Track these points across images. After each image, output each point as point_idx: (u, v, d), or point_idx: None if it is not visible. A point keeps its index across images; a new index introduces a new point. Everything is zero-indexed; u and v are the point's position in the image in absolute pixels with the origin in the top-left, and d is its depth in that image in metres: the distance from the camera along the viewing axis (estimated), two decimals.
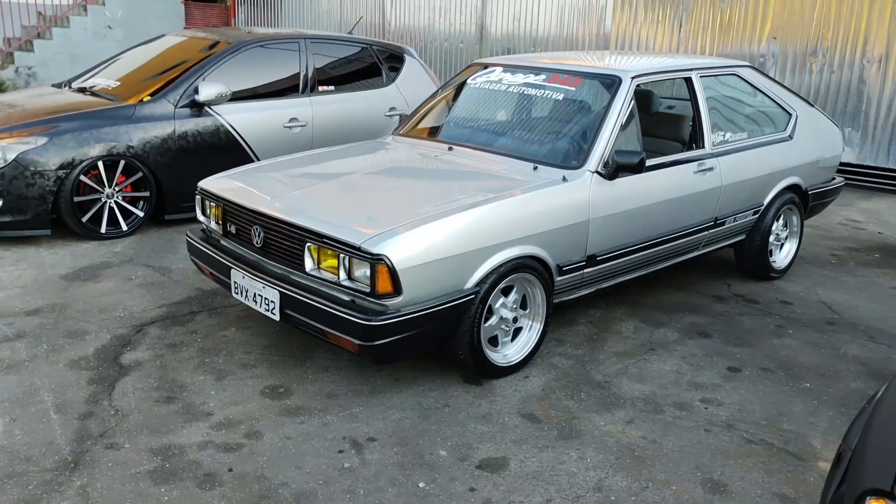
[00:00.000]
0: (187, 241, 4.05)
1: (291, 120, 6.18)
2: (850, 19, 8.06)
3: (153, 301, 4.32)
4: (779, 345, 4.04)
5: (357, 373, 3.55)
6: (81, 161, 5.16)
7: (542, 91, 4.25)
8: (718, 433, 3.14)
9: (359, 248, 3.06)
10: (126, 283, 4.58)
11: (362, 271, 3.11)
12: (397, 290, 3.07)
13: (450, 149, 4.21)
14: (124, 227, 5.45)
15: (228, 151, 5.85)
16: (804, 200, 5.16)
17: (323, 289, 3.28)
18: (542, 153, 3.96)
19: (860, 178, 8.16)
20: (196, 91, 5.68)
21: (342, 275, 3.17)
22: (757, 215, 4.80)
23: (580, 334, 4.07)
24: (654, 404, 3.36)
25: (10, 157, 4.97)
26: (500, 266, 3.38)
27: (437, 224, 3.20)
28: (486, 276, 3.35)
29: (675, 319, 4.32)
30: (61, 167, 5.09)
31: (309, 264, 3.29)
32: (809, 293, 4.84)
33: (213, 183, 3.95)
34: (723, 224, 4.55)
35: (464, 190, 3.58)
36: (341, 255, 3.15)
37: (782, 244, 5.14)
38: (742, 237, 4.86)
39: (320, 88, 6.45)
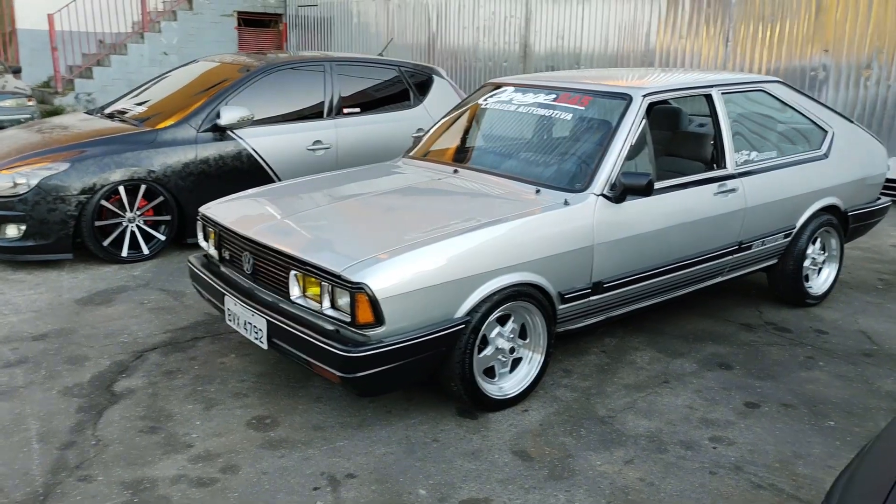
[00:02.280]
0: (189, 267, 4.03)
1: (315, 143, 6.16)
2: None
3: (160, 326, 4.30)
4: (806, 378, 3.75)
5: (348, 404, 3.43)
6: (102, 186, 5.22)
7: (551, 111, 4.10)
8: (724, 476, 2.90)
9: (339, 276, 2.96)
10: (137, 307, 4.59)
11: (344, 300, 3.00)
12: (379, 319, 2.95)
13: (455, 171, 4.08)
14: (145, 251, 5.49)
15: (251, 175, 5.85)
16: (844, 222, 4.84)
17: (308, 318, 3.19)
18: (546, 175, 3.79)
19: None
20: (218, 115, 5.71)
21: (326, 303, 3.07)
22: (789, 238, 4.52)
23: (590, 364, 3.87)
24: (658, 442, 3.13)
25: (33, 182, 5.06)
26: (494, 294, 3.23)
27: (422, 251, 3.07)
28: (479, 305, 3.20)
29: (696, 349, 4.07)
30: (83, 192, 5.16)
31: (294, 292, 3.20)
32: (848, 321, 4.52)
33: (213, 208, 3.91)
34: (749, 248, 4.29)
35: (458, 214, 3.44)
36: (324, 284, 3.05)
37: (820, 269, 4.83)
38: (774, 261, 4.58)
39: (345, 111, 6.41)
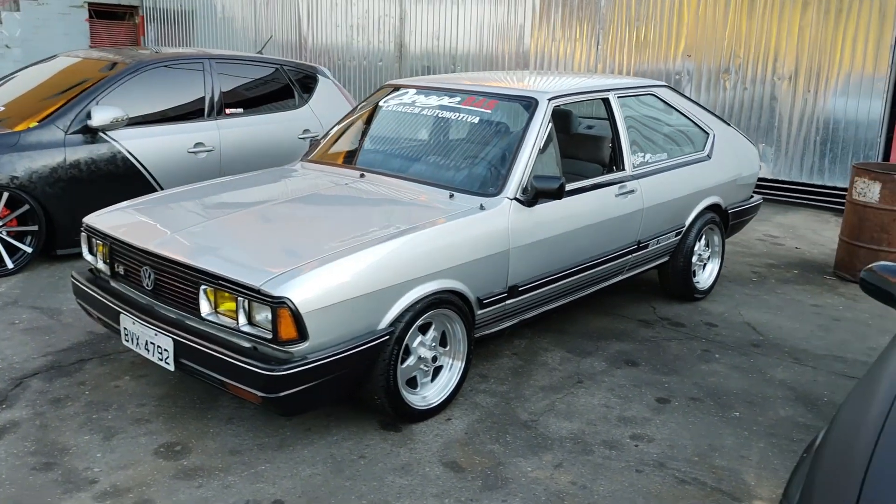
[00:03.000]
0: (72, 283, 3.68)
1: (196, 145, 5.83)
2: (761, 37, 8.22)
3: (37, 349, 3.91)
4: (706, 371, 3.93)
5: (264, 424, 3.25)
6: None
7: (457, 114, 4.07)
8: (650, 473, 2.98)
9: (258, 291, 2.79)
10: (7, 328, 4.16)
11: (263, 315, 2.83)
12: (302, 334, 2.80)
13: (361, 176, 3.97)
14: (9, 265, 4.99)
15: (128, 180, 5.46)
16: (724, 220, 5.13)
17: (221, 335, 2.98)
18: (458, 180, 3.76)
19: (775, 193, 8.30)
20: (89, 116, 5.27)
21: (242, 319, 2.88)
22: (679, 236, 4.73)
23: (504, 368, 3.87)
24: (583, 444, 3.17)
25: None
26: (417, 303, 3.15)
27: (344, 261, 2.95)
28: (402, 315, 3.11)
29: (602, 348, 4.17)
30: None
31: (205, 308, 2.99)
32: (733, 314, 4.78)
33: (100, 219, 3.60)
34: (646, 247, 4.45)
35: (375, 222, 3.34)
36: (240, 299, 2.86)
37: (705, 264, 5.09)
38: (665, 259, 4.77)
39: (228, 111, 6.11)
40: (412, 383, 3.31)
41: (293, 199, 3.73)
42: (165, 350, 3.09)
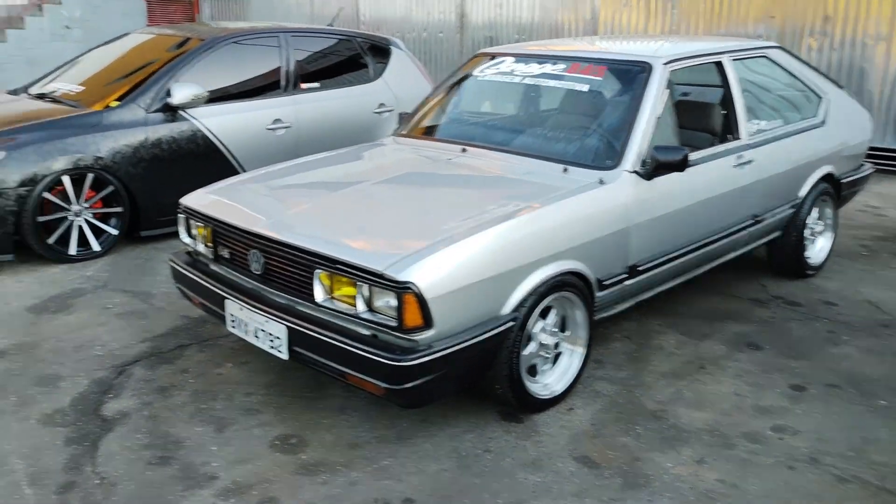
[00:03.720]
0: (171, 266, 3.56)
1: (275, 121, 5.68)
2: None
3: (135, 334, 3.82)
4: (838, 354, 3.65)
5: (378, 414, 3.09)
6: (44, 176, 4.62)
7: (563, 82, 3.81)
8: (804, 470, 2.74)
9: (381, 276, 2.60)
10: (102, 313, 4.07)
11: (385, 301, 2.66)
12: (428, 322, 2.62)
13: (463, 150, 3.75)
14: (96, 248, 4.92)
15: (207, 158, 5.34)
16: (837, 190, 4.79)
17: (338, 322, 2.82)
18: (571, 153, 3.52)
19: (870, 161, 7.84)
20: (168, 93, 5.15)
21: (361, 306, 2.71)
22: (794, 209, 4.41)
23: (619, 352, 3.65)
24: (721, 437, 2.94)
25: None
26: (540, 286, 2.94)
27: (466, 242, 2.75)
28: (525, 299, 2.91)
29: (718, 329, 3.92)
30: (22, 184, 4.54)
31: (320, 294, 2.82)
32: (851, 291, 4.47)
33: (199, 200, 3.45)
34: (762, 220, 4.15)
35: (489, 199, 3.13)
36: (359, 284, 2.69)
37: (816, 238, 4.76)
38: (778, 233, 4.47)
39: (303, 86, 5.94)
40: (531, 371, 3.11)
41: (396, 177, 3.52)
42: (278, 338, 2.94)
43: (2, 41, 12.98)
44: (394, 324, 2.63)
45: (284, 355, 2.94)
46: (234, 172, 5.45)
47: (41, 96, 5.44)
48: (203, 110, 5.33)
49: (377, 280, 2.63)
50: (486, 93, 4.16)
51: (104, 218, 4.98)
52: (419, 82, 6.75)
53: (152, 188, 5.10)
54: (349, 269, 2.70)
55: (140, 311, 4.10)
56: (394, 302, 2.62)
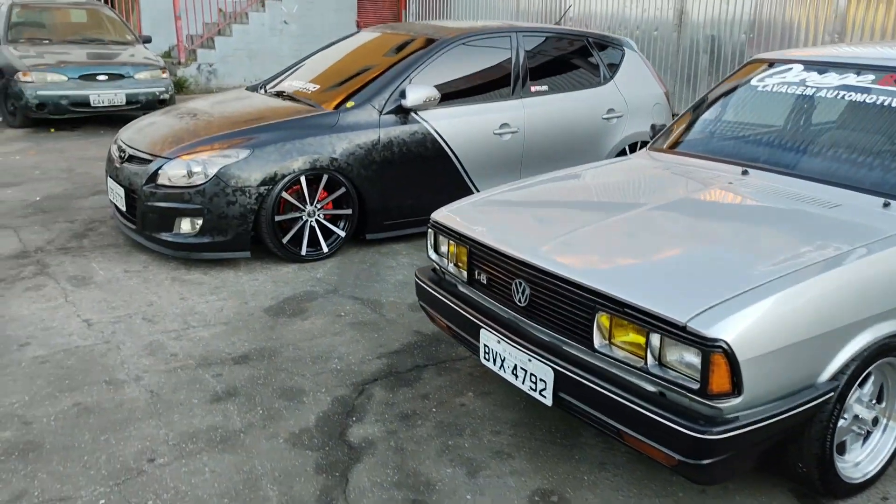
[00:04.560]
0: (417, 283, 3.37)
1: (502, 126, 5.42)
2: None
3: (369, 348, 3.68)
4: None
5: (645, 475, 2.71)
6: (284, 176, 4.63)
7: (873, 97, 3.21)
8: None
9: (683, 328, 2.21)
10: (335, 321, 3.99)
11: (680, 356, 2.27)
12: (736, 388, 2.20)
13: (744, 172, 3.26)
14: (325, 249, 4.89)
15: (434, 162, 5.18)
16: None
17: (618, 372, 2.46)
18: (892, 183, 2.93)
19: None
20: (403, 95, 5.03)
21: (650, 359, 2.34)
22: None
23: None
24: None
25: (212, 171, 4.51)
26: (866, 349, 2.43)
27: (786, 294, 2.29)
28: (847, 365, 2.41)
29: None
30: (263, 183, 4.57)
31: (598, 338, 2.48)
32: None
33: (453, 216, 3.21)
34: None
35: (799, 239, 2.64)
36: (651, 333, 2.31)
37: None
38: None
39: (532, 89, 5.64)
40: (839, 449, 2.60)
41: (673, 203, 3.10)
42: (542, 381, 2.63)
43: (227, 35, 13.82)
44: (694, 386, 2.23)
45: (548, 401, 2.63)
46: (460, 177, 5.29)
47: (279, 94, 5.51)
48: (433, 113, 5.17)
49: (675, 332, 2.24)
50: (768, 105, 3.63)
51: (333, 219, 4.95)
52: (651, 87, 6.26)
53: (381, 191, 5.01)
54: (639, 315, 2.34)
55: (372, 323, 3.98)
56: (694, 359, 2.23)
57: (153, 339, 3.71)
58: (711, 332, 2.17)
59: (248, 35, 13.90)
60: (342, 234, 4.95)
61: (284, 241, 4.73)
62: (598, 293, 2.45)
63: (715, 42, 10.18)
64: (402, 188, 5.09)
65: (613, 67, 6.11)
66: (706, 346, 2.17)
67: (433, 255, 3.32)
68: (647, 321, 2.32)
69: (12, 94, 8.88)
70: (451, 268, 3.18)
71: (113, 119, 9.81)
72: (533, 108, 5.59)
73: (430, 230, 3.31)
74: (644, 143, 6.17)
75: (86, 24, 10.56)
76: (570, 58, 5.97)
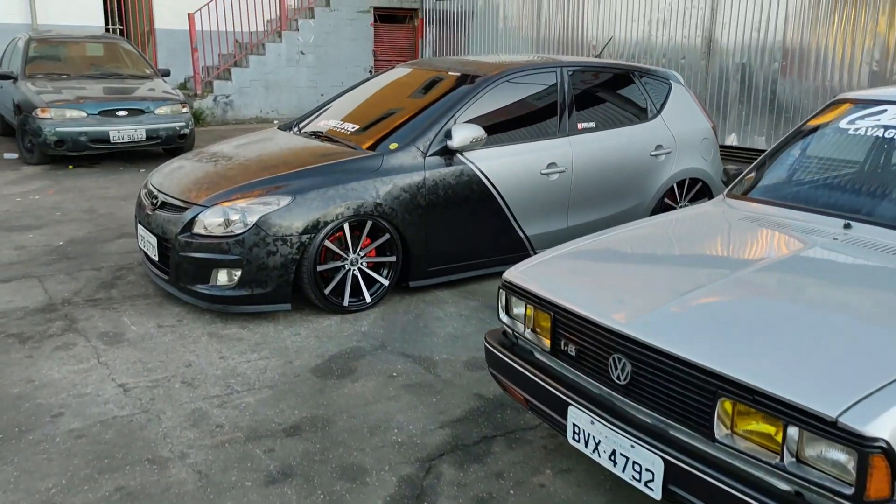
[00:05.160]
0: (487, 349, 3.08)
1: (549, 165, 5.16)
2: None
3: (429, 415, 3.39)
4: None
5: None
6: (327, 223, 4.36)
7: None
8: None
9: (832, 424, 1.92)
10: (388, 382, 3.70)
11: (821, 452, 1.98)
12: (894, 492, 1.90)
13: (847, 226, 2.98)
14: (368, 299, 4.62)
15: (479, 205, 4.92)
16: None
17: (743, 466, 2.16)
18: None
19: None
20: (448, 135, 4.77)
21: (787, 456, 2.04)
22: None
23: None
24: None
25: (252, 220, 4.25)
26: None
27: None
28: None
29: None
30: (305, 231, 4.31)
31: (720, 428, 2.19)
32: None
33: (530, 277, 2.93)
34: None
35: None
36: (789, 426, 2.02)
37: None
38: None
39: (579, 126, 5.39)
40: None
41: (778, 263, 2.79)
42: (649, 471, 2.33)
43: (244, 66, 13.68)
44: (847, 491, 1.93)
45: (656, 494, 2.33)
46: (506, 220, 5.02)
47: (315, 134, 5.27)
48: (478, 153, 4.91)
49: (821, 427, 1.94)
50: (862, 150, 3.36)
51: (376, 267, 4.68)
52: (698, 121, 6.01)
53: (425, 236, 4.74)
54: (774, 405, 2.04)
55: (427, 385, 3.69)
56: (841, 457, 1.93)
57: (195, 407, 3.43)
58: (869, 430, 1.88)
59: (264, 66, 13.76)
60: (385, 282, 4.68)
61: (326, 291, 4.46)
62: (722, 377, 2.16)
63: (746, 70, 9.96)
64: (447, 233, 4.82)
65: (660, 101, 5.86)
66: (862, 446, 1.88)
67: (504, 318, 3.04)
68: (784, 412, 2.03)
69: (30, 131, 8.69)
70: (528, 334, 2.89)
71: (132, 155, 9.62)
72: (580, 145, 5.33)
73: (501, 291, 3.03)
74: (693, 181, 5.94)
75: (104, 58, 10.40)
76: (616, 92, 5.73)
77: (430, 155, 4.75)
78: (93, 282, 5.01)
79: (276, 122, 13.92)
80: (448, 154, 4.80)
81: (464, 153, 4.85)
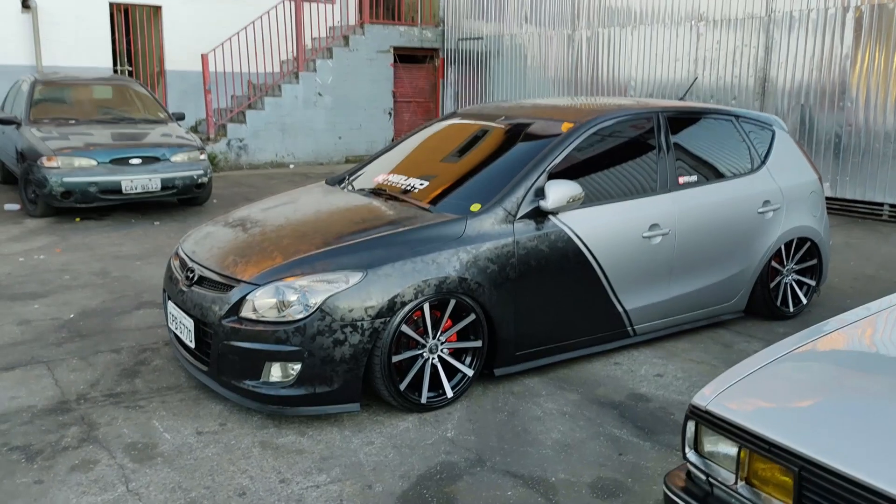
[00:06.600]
0: (667, 494, 2.26)
1: (652, 227, 4.39)
2: None
3: None
4: None
5: None
6: (405, 304, 3.56)
7: None
8: None
9: None
10: None
11: None
12: None
13: None
14: (449, 393, 3.79)
15: (573, 275, 4.13)
16: None
17: None
18: None
19: None
20: (540, 194, 4.00)
21: None
22: None
23: None
24: None
25: (314, 302, 3.44)
26: None
27: None
28: None
29: None
30: (379, 314, 3.51)
31: None
32: None
33: (749, 407, 2.12)
34: None
35: None
36: None
37: None
38: None
39: (681, 180, 4.62)
40: None
41: None
42: None
43: (259, 108, 13.00)
44: None
45: None
46: (603, 292, 4.24)
47: (377, 193, 4.48)
48: (573, 214, 4.13)
49: None
50: None
51: (456, 353, 3.87)
52: (805, 173, 5.26)
53: (513, 315, 3.94)
54: None
55: None
56: None
57: None
58: None
59: (280, 108, 13.09)
60: (470, 372, 3.85)
61: (402, 386, 3.64)
62: None
63: (803, 110, 9.27)
64: (537, 310, 4.02)
65: (764, 150, 5.11)
66: None
67: (693, 458, 2.23)
68: None
69: (35, 181, 7.93)
70: (741, 489, 2.07)
71: (145, 205, 8.86)
72: (684, 203, 4.56)
73: (689, 422, 2.22)
74: (801, 241, 5.16)
75: (114, 101, 9.70)
76: (717, 141, 4.97)
77: (520, 218, 3.97)
78: (112, 369, 4.18)
79: (291, 166, 13.20)
80: (540, 216, 4.02)
81: (557, 214, 4.08)
